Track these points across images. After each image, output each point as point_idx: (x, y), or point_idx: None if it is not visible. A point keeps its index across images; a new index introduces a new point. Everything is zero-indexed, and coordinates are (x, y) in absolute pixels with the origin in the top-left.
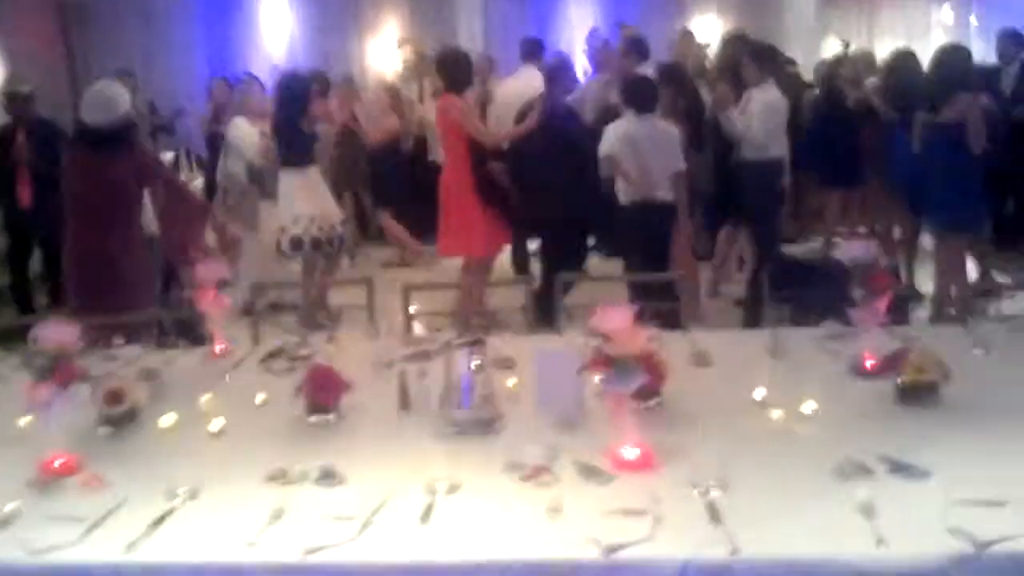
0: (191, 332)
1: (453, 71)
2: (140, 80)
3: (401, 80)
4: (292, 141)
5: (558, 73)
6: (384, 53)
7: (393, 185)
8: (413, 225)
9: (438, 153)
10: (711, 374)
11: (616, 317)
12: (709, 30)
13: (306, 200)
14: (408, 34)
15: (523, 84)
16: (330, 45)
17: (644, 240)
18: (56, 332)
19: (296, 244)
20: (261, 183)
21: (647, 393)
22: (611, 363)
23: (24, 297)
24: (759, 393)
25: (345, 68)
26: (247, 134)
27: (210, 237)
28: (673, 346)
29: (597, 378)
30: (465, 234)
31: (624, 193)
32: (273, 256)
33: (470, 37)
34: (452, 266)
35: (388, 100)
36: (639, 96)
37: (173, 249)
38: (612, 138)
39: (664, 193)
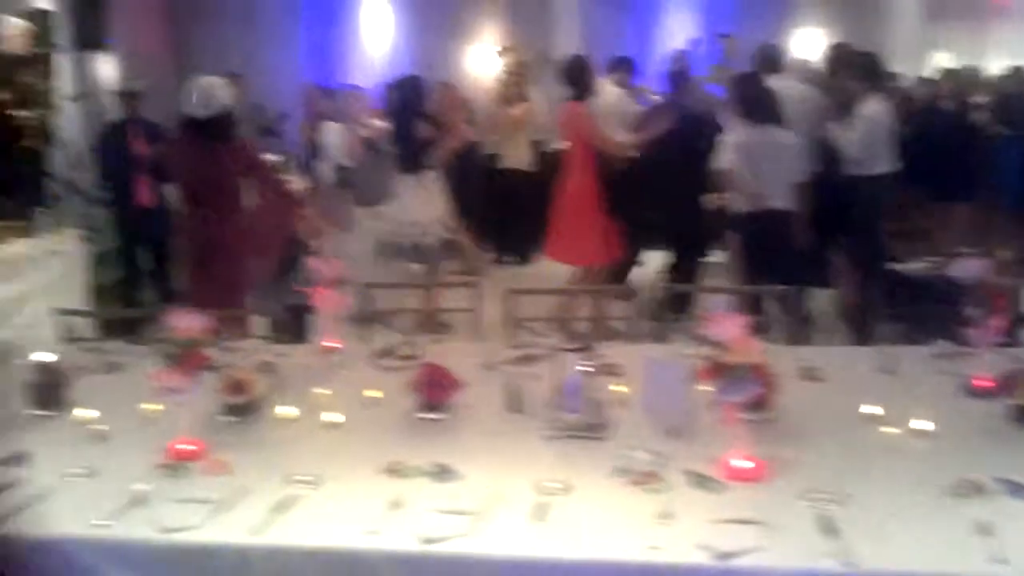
0: (297, 326)
1: (578, 79)
2: (243, 82)
3: (502, 86)
4: (405, 146)
5: (682, 77)
6: (483, 58)
7: (468, 195)
8: (485, 235)
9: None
10: (821, 389)
11: (730, 326)
12: (812, 41)
13: (416, 206)
14: (506, 40)
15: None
16: (428, 50)
17: (757, 249)
18: (187, 320)
19: (401, 249)
20: (353, 186)
21: (758, 405)
22: (724, 372)
23: (134, 293)
24: (870, 409)
25: (443, 73)
26: (338, 137)
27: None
28: (782, 359)
29: (707, 387)
30: (580, 242)
31: (739, 203)
32: (371, 258)
33: (568, 45)
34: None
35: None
36: (753, 106)
37: (264, 238)
38: (727, 150)
39: (780, 202)
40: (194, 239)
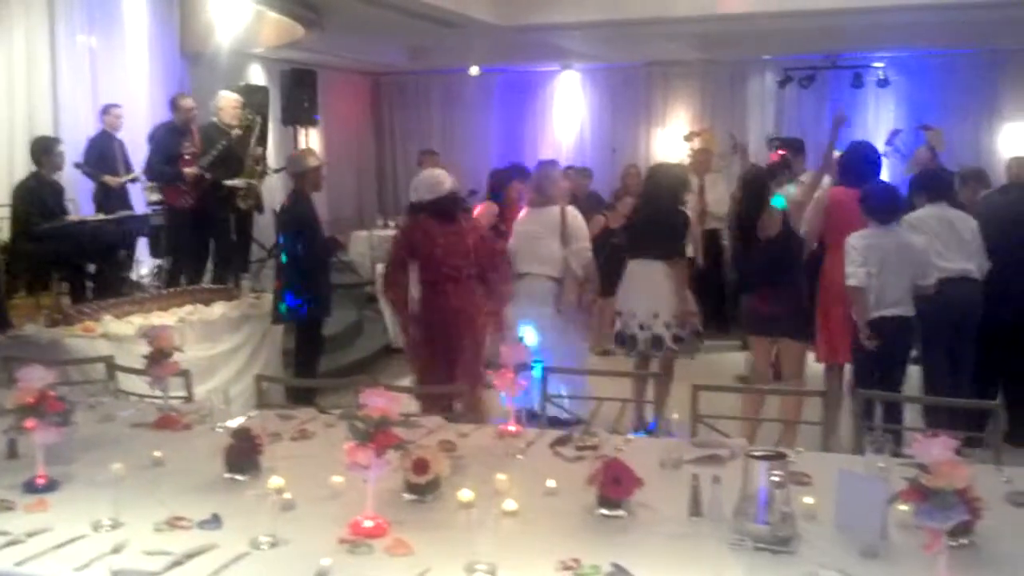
0: None
1: (855, 165)
2: (439, 159)
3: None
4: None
5: None
6: (671, 143)
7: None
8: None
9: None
10: None
11: (938, 447)
12: (1021, 137)
13: (652, 295)
14: (698, 124)
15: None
16: (618, 133)
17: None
18: (381, 399)
19: (624, 339)
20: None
21: (959, 530)
22: (928, 495)
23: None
24: None
25: (632, 157)
26: (583, 224)
27: None
28: (986, 481)
29: (904, 507)
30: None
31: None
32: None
33: (761, 131)
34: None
35: None
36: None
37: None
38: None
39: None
40: (425, 311)
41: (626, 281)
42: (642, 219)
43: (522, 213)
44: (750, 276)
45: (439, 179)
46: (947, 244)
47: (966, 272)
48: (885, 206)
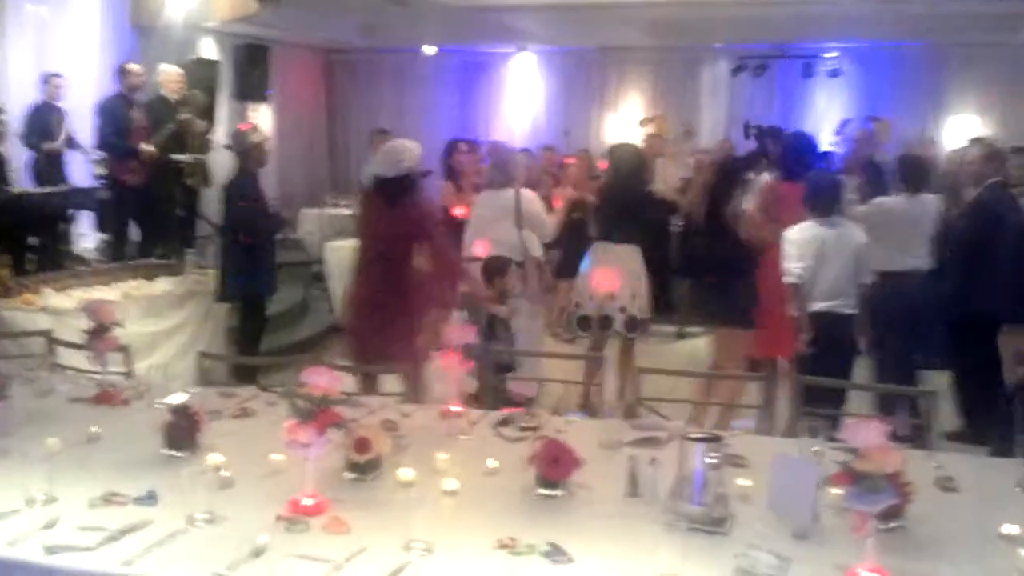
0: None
1: (795, 157)
2: (392, 139)
3: None
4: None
5: None
6: (624, 128)
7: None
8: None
9: None
10: (956, 501)
11: (868, 432)
12: (965, 131)
13: (610, 276)
14: (651, 110)
15: None
16: (571, 117)
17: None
18: (323, 378)
19: (584, 323)
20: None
21: (889, 514)
22: (858, 479)
23: (252, 339)
24: (1009, 528)
25: (583, 140)
26: (541, 207)
27: None
28: (917, 466)
29: (836, 491)
30: (783, 333)
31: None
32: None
33: (713, 118)
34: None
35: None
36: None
37: (426, 301)
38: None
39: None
40: (369, 290)
41: (590, 263)
42: (612, 201)
43: (479, 195)
44: (710, 263)
45: (400, 156)
46: (912, 236)
47: (921, 265)
48: (823, 198)
